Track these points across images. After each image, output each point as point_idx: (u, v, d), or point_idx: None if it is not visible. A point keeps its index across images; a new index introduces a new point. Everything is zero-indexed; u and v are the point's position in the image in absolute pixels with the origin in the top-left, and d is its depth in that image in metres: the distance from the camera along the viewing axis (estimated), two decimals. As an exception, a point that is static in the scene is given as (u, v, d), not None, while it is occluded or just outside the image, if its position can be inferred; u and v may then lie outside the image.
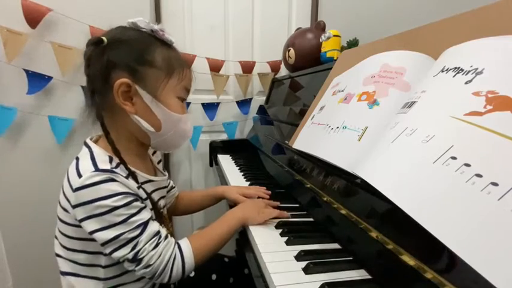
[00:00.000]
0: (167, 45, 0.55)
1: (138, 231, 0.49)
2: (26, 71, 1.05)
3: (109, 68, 0.51)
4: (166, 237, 0.53)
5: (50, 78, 1.08)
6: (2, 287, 1.19)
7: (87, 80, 0.53)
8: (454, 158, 0.30)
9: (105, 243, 0.49)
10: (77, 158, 0.52)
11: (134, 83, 0.51)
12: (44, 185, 1.14)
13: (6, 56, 1.02)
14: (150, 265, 0.50)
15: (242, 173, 0.98)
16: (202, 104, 1.31)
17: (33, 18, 1.02)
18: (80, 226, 0.50)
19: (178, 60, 0.55)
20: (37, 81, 1.07)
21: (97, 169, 0.48)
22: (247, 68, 1.32)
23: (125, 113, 0.52)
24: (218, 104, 1.33)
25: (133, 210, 0.50)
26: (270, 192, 0.74)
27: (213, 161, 1.26)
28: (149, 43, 0.53)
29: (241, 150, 1.28)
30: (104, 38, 0.50)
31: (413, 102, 0.41)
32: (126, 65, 0.51)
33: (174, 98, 0.55)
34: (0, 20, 1.00)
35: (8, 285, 1.21)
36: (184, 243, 0.56)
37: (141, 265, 0.50)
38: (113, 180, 0.48)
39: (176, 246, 0.54)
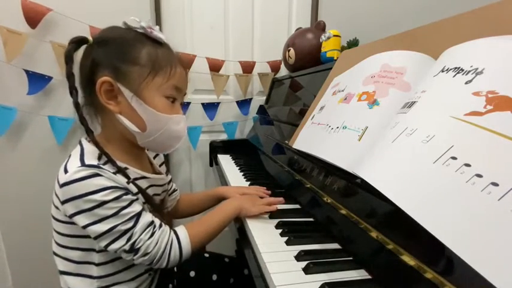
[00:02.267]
0: (158, 43, 0.54)
1: (131, 223, 0.50)
2: (26, 71, 1.05)
3: (93, 68, 0.50)
4: (160, 225, 0.54)
5: (50, 78, 1.08)
6: (2, 286, 1.19)
7: (66, 78, 0.51)
8: (454, 158, 0.30)
9: (98, 237, 0.49)
10: (69, 156, 0.52)
11: (116, 81, 0.50)
12: (43, 185, 1.14)
13: (6, 56, 1.02)
14: (147, 253, 0.51)
15: (242, 173, 0.98)
16: (202, 104, 1.31)
17: (33, 18, 1.02)
18: (71, 223, 0.50)
19: (167, 58, 0.53)
20: (37, 81, 1.07)
21: (83, 164, 0.48)
22: (247, 68, 1.32)
23: (112, 113, 0.52)
24: (218, 104, 1.33)
25: (124, 203, 0.50)
26: (270, 192, 0.75)
27: (213, 161, 1.26)
28: (135, 41, 0.52)
29: (241, 150, 1.28)
30: (88, 38, 0.51)
31: (413, 102, 0.41)
32: (109, 63, 0.50)
33: (161, 97, 0.53)
34: (0, 20, 1.00)
35: (8, 285, 1.21)
36: (181, 229, 0.57)
37: (138, 254, 0.51)
38: (98, 175, 0.48)
39: (172, 232, 0.55)
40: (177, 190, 0.79)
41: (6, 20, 1.01)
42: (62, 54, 1.10)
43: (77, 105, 0.51)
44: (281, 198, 0.69)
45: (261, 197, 0.72)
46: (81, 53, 0.53)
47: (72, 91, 0.51)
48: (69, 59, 0.51)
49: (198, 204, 0.82)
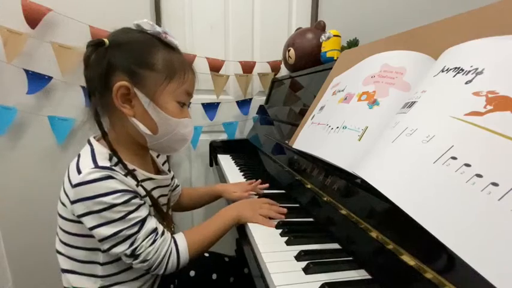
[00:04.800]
0: (170, 48, 0.55)
1: (136, 229, 0.50)
2: (26, 71, 1.05)
3: (109, 70, 0.50)
4: (163, 233, 0.55)
5: (50, 78, 1.08)
6: (2, 287, 1.19)
7: (86, 81, 0.52)
8: (454, 158, 0.30)
9: (103, 239, 0.50)
10: (79, 155, 0.53)
11: (133, 86, 0.51)
12: (44, 185, 1.14)
13: (6, 56, 1.02)
14: (147, 260, 0.52)
15: (242, 173, 0.98)
16: (202, 104, 1.31)
17: (33, 18, 1.02)
18: (78, 222, 0.51)
19: (181, 64, 0.55)
20: (37, 81, 1.07)
21: (96, 166, 0.49)
22: (247, 68, 1.32)
23: (124, 115, 0.52)
24: (218, 104, 1.33)
25: (132, 207, 0.50)
26: (268, 185, 0.78)
27: (213, 161, 1.26)
28: (151, 46, 0.52)
29: (241, 150, 1.28)
30: (105, 40, 0.50)
31: (413, 102, 0.41)
32: (126, 67, 0.50)
33: (173, 102, 0.54)
34: (0, 20, 1.00)
35: (8, 285, 1.21)
36: (180, 238, 0.57)
37: (138, 260, 0.51)
38: (111, 177, 0.49)
39: (172, 241, 0.56)
40: (179, 186, 0.80)
41: (6, 20, 1.01)
42: (62, 54, 1.10)
43: (95, 109, 0.52)
44: (284, 210, 0.64)
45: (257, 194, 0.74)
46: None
47: (91, 95, 0.52)
48: (88, 63, 0.51)
49: (197, 200, 0.84)
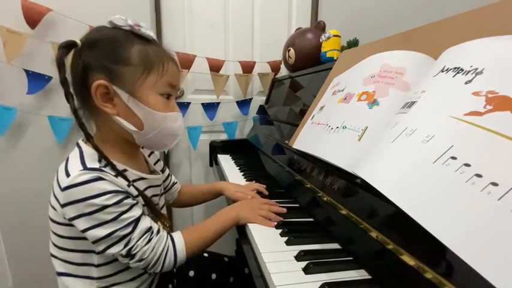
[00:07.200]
0: (146, 40, 0.53)
1: (130, 229, 0.50)
2: (26, 71, 1.05)
3: (86, 71, 0.50)
4: (158, 231, 0.55)
5: (50, 78, 1.08)
6: (2, 287, 1.19)
7: (61, 83, 0.50)
8: (454, 158, 0.30)
9: (97, 241, 0.49)
10: (67, 158, 0.52)
11: (111, 84, 0.49)
12: (44, 185, 1.14)
13: (6, 56, 1.02)
14: (143, 259, 0.52)
15: (242, 173, 0.98)
16: (202, 104, 1.31)
17: (33, 18, 1.02)
18: (70, 225, 0.50)
19: (158, 56, 0.53)
20: (37, 81, 1.07)
21: (85, 168, 0.48)
22: (247, 68, 1.32)
23: (108, 115, 0.51)
24: (218, 104, 1.33)
25: (124, 208, 0.50)
26: (267, 193, 0.76)
27: (213, 161, 1.26)
28: (124, 40, 0.51)
29: (241, 150, 1.28)
30: (77, 41, 0.50)
31: (413, 102, 0.41)
32: (101, 65, 0.49)
33: (156, 95, 0.53)
34: (0, 20, 1.00)
35: (8, 285, 1.21)
36: (178, 236, 0.57)
37: (134, 259, 0.51)
38: (101, 178, 0.48)
39: (169, 239, 0.56)
40: (176, 183, 0.80)
41: (6, 20, 1.01)
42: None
43: (75, 110, 0.50)
44: (283, 210, 0.65)
45: (259, 193, 0.74)
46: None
47: (68, 97, 0.50)
48: (61, 65, 0.49)
49: (198, 196, 0.84)
